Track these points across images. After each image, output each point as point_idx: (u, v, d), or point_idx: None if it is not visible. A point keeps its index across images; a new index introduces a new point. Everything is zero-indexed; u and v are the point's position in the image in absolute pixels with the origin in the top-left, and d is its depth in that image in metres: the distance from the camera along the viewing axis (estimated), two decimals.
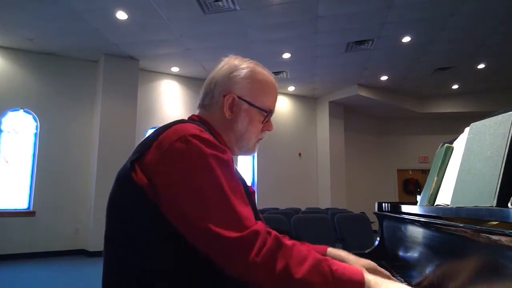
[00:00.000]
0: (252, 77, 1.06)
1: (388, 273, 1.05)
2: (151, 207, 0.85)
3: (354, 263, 1.05)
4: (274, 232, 0.82)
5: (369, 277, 0.79)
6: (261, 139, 1.12)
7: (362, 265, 1.04)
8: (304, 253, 0.80)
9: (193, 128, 0.90)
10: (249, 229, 0.79)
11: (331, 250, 1.14)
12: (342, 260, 1.02)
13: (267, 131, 1.12)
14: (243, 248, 0.77)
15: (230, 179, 0.86)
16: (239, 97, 1.05)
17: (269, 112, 1.09)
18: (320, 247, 1.15)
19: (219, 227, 0.78)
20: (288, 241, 0.82)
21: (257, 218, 1.01)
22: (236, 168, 1.04)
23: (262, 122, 1.09)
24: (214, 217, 0.80)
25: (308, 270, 0.77)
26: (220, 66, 1.10)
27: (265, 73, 1.10)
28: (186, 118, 1.09)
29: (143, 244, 0.86)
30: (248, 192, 1.02)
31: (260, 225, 0.82)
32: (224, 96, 1.05)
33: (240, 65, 1.07)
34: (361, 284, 0.77)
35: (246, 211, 0.83)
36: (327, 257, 0.82)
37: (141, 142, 0.94)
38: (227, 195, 0.83)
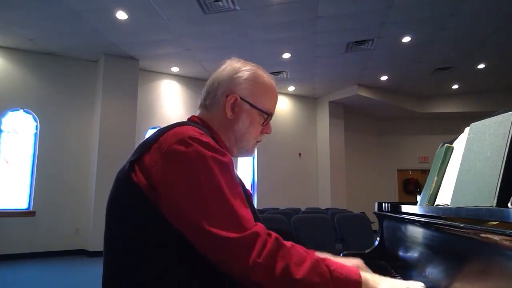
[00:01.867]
0: (254, 80, 1.08)
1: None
2: (149, 207, 0.85)
3: None
4: (274, 234, 0.83)
5: (366, 276, 0.81)
6: (259, 141, 1.14)
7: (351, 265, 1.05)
8: (303, 254, 0.82)
9: (193, 131, 0.91)
10: (249, 230, 0.80)
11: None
12: None
13: (265, 134, 1.14)
14: (245, 249, 0.78)
15: (229, 181, 0.87)
16: (241, 98, 1.06)
17: (270, 114, 1.11)
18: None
19: (220, 228, 0.79)
20: (287, 242, 0.83)
21: (256, 220, 1.01)
22: (235, 172, 1.05)
23: (262, 124, 1.11)
24: (214, 218, 0.80)
25: (308, 270, 0.78)
26: (222, 67, 1.11)
27: (267, 76, 1.12)
28: (186, 119, 1.10)
29: (141, 245, 0.86)
30: (246, 195, 1.02)
31: (260, 227, 0.83)
32: (227, 96, 1.06)
33: (243, 67, 1.09)
34: (358, 283, 0.79)
35: (245, 213, 0.84)
36: (325, 257, 0.84)
37: (141, 143, 0.95)
38: (227, 197, 0.83)
